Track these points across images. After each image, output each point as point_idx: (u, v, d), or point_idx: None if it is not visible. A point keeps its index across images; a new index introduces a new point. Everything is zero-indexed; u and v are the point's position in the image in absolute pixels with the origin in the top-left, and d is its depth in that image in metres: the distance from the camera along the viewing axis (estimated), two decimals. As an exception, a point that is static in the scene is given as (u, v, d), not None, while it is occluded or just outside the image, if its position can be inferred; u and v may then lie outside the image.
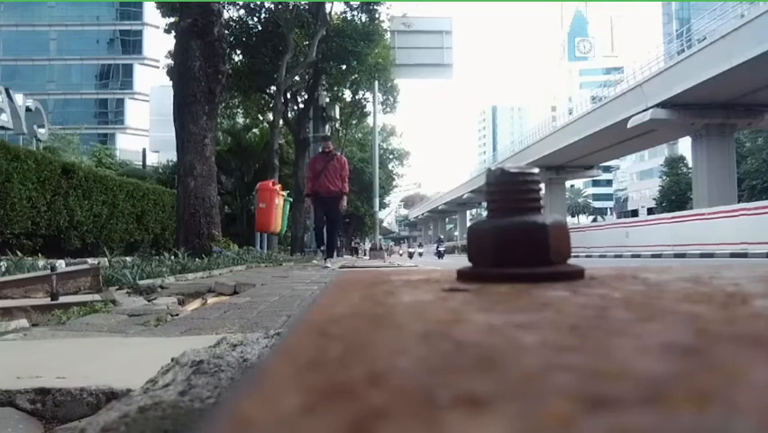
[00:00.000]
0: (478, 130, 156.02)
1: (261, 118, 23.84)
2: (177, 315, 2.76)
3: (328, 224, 9.06)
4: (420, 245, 48.51)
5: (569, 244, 0.62)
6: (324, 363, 0.28)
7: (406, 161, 48.35)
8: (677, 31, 38.91)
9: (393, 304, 0.48)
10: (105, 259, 5.88)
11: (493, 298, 0.48)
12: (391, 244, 67.52)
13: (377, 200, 22.25)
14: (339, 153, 10.27)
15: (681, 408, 0.20)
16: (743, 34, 20.74)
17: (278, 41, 19.08)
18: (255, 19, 20.26)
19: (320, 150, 9.59)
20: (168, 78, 14.36)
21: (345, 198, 9.09)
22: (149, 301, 3.44)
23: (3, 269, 4.71)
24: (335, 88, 23.26)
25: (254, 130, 23.80)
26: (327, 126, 21.09)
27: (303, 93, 22.06)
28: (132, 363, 1.52)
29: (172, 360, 1.02)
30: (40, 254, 7.91)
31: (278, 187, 12.25)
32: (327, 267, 8.14)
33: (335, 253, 9.42)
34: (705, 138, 26.51)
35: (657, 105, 25.84)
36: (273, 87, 19.53)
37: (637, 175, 79.61)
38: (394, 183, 48.10)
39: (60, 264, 5.39)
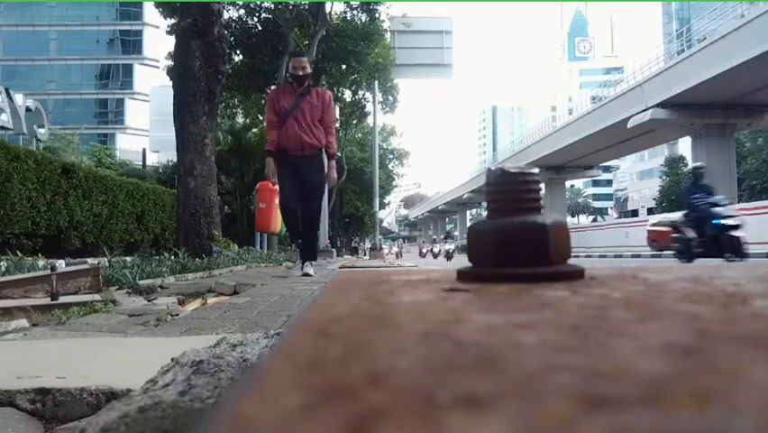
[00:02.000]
0: (478, 130, 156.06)
1: (261, 118, 23.84)
2: (177, 315, 2.76)
3: (304, 204, 5.34)
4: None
5: (569, 244, 0.62)
6: (323, 363, 0.28)
7: (406, 160, 48.38)
8: (677, 31, 38.88)
9: (393, 304, 0.48)
10: (105, 259, 5.88)
11: (493, 298, 0.48)
12: (401, 242, 61.33)
13: (377, 200, 22.28)
14: (321, 87, 6.28)
15: (681, 408, 0.20)
16: (743, 34, 20.74)
17: (278, 41, 19.09)
18: (255, 19, 20.28)
19: (289, 74, 5.49)
20: (168, 78, 14.35)
21: (334, 163, 5.48)
22: (149, 301, 3.44)
23: (3, 269, 4.71)
24: (335, 88, 23.27)
25: (254, 130, 23.80)
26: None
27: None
28: (132, 363, 1.52)
29: (172, 360, 1.02)
30: (40, 254, 7.91)
31: (278, 187, 12.18)
32: (309, 274, 5.23)
33: (316, 255, 5.88)
34: (705, 138, 26.51)
35: (657, 106, 25.84)
36: (273, 87, 19.54)
37: (637, 175, 79.65)
38: (394, 183, 48.12)
39: (60, 264, 5.39)
